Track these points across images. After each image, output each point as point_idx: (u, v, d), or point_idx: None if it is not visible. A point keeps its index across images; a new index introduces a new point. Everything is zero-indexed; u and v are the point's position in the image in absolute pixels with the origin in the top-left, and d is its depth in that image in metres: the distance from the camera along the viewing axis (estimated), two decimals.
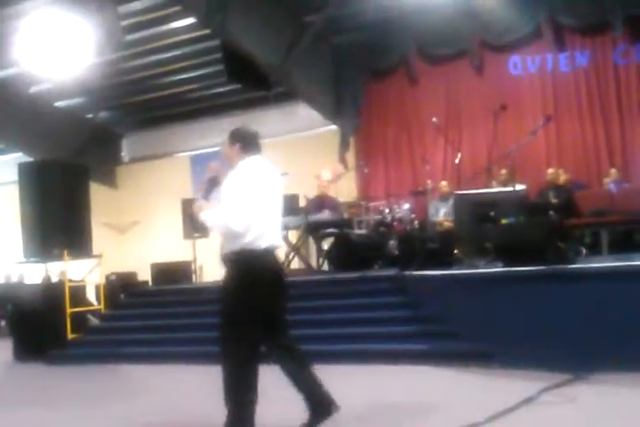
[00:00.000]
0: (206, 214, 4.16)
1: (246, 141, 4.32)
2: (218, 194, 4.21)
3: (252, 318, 4.06)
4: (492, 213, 7.18)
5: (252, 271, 4.08)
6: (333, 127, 13.45)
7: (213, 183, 4.29)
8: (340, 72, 13.19)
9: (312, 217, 10.50)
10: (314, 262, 11.00)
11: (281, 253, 11.27)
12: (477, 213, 7.34)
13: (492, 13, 11.15)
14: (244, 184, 4.10)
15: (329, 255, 10.48)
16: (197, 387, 6.69)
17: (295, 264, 11.33)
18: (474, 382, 5.83)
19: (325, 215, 10.53)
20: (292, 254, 10.95)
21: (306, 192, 11.18)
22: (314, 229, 10.70)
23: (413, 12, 11.37)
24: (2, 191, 16.64)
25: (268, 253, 4.18)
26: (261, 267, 4.10)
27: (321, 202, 10.90)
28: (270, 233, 4.18)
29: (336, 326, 7.79)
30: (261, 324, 4.12)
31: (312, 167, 12.07)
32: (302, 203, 11.14)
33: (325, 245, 10.83)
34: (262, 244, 4.12)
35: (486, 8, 11.07)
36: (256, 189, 4.11)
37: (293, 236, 11.34)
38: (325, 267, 10.70)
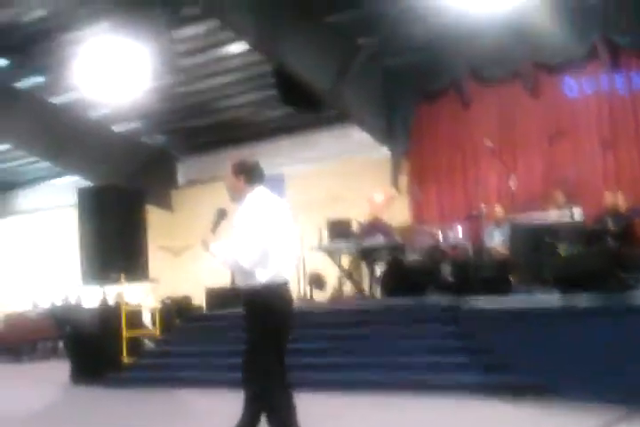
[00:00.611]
0: (215, 248, 4.17)
1: (251, 173, 4.32)
2: (226, 226, 4.21)
3: (268, 348, 4.17)
4: (550, 241, 7.06)
5: (263, 306, 4.11)
6: (385, 150, 13.42)
7: (221, 216, 4.27)
8: (391, 94, 13.15)
9: (365, 242, 10.47)
10: (366, 288, 10.94)
11: (332, 278, 11.31)
12: (534, 241, 7.23)
13: (545, 34, 10.99)
14: (254, 219, 4.09)
15: (381, 281, 10.41)
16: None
17: (348, 289, 11.30)
18: (527, 415, 5.70)
19: (378, 240, 10.48)
20: (344, 280, 10.93)
21: (358, 216, 11.15)
22: (366, 255, 10.67)
23: (465, 34, 11.31)
24: (60, 214, 17.03)
25: (281, 289, 4.20)
26: (271, 302, 4.12)
27: (373, 227, 10.86)
28: (281, 267, 4.19)
29: (387, 355, 7.70)
30: (273, 358, 4.21)
31: (364, 191, 12.05)
32: (355, 228, 11.10)
33: (378, 271, 10.78)
34: (273, 278, 4.13)
35: (538, 28, 10.93)
36: (265, 223, 4.10)
37: (345, 260, 11.32)
38: (378, 293, 10.63)
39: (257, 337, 4.18)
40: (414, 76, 12.80)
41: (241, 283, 4.21)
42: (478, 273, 7.82)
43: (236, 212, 4.16)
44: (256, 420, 4.28)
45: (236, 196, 4.30)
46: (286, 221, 4.28)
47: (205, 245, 4.19)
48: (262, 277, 4.09)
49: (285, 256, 4.21)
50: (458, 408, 6.15)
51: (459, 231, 10.25)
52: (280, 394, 4.19)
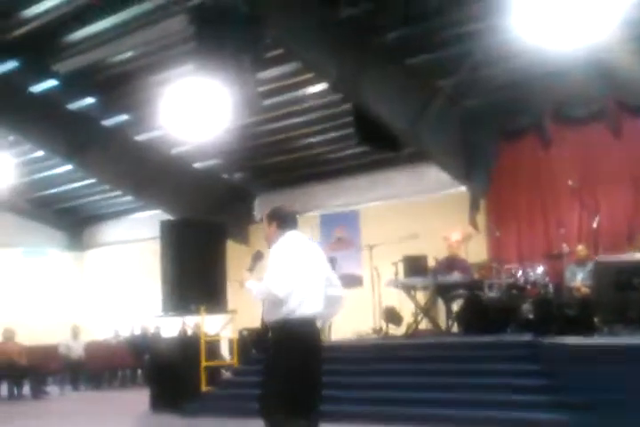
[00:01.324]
0: (250, 283, 4.36)
1: (282, 220, 4.58)
2: (261, 268, 4.43)
3: (286, 385, 4.22)
4: (636, 281, 6.92)
5: (289, 340, 4.24)
6: (463, 189, 13.41)
7: (258, 257, 4.55)
8: (470, 134, 13.18)
9: (441, 278, 10.46)
10: (442, 324, 10.88)
11: (408, 314, 11.29)
12: (620, 280, 7.10)
13: (628, 72, 10.91)
14: (285, 255, 4.33)
15: (459, 317, 10.35)
16: None
17: (423, 325, 11.25)
18: None
19: (455, 277, 10.46)
20: (420, 315, 10.90)
21: (434, 253, 11.15)
22: (443, 291, 10.64)
23: (546, 73, 11.30)
24: (141, 247, 17.52)
25: (307, 324, 4.33)
26: (300, 335, 4.26)
27: (451, 263, 10.85)
28: (310, 302, 4.33)
29: (464, 392, 7.62)
30: (294, 391, 4.23)
31: (441, 229, 12.04)
32: (431, 264, 11.09)
33: (455, 307, 10.72)
34: (302, 313, 4.29)
35: (621, 67, 10.85)
36: (295, 258, 4.34)
37: (421, 296, 11.30)
38: (455, 329, 10.55)
39: (271, 383, 4.29)
40: (494, 116, 12.81)
41: (269, 318, 4.37)
42: (560, 312, 7.70)
43: (270, 253, 4.41)
44: None
45: (271, 241, 4.54)
46: (316, 260, 4.49)
47: (242, 282, 4.40)
48: (290, 310, 4.25)
49: (313, 293, 4.37)
50: None
51: (539, 270, 10.13)
52: None
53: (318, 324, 4.47)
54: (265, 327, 4.47)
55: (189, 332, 12.32)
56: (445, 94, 12.16)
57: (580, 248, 10.37)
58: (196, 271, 10.31)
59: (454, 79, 11.79)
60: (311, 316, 4.35)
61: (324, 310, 4.46)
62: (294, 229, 4.59)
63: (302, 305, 4.29)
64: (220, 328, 10.87)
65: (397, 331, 11.23)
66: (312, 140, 14.73)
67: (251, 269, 4.48)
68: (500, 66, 11.43)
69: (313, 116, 13.69)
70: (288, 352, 4.23)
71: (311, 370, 4.31)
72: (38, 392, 12.37)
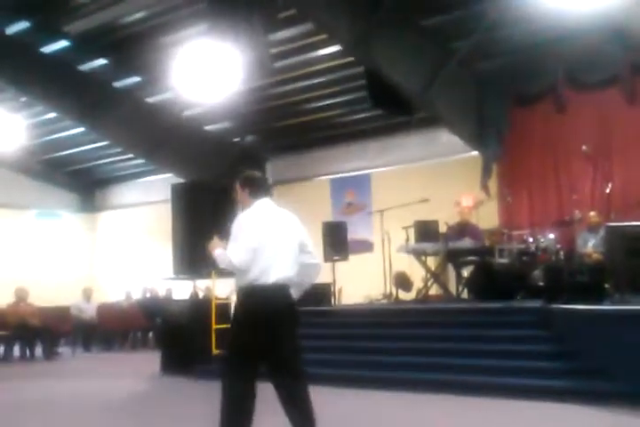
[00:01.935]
0: (217, 252, 4.46)
1: (254, 187, 4.69)
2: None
3: (248, 352, 4.34)
4: None
5: (254, 307, 4.36)
6: (475, 153, 13.30)
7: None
8: (483, 98, 13.02)
9: (452, 244, 10.43)
10: (453, 290, 10.89)
11: (418, 279, 11.32)
12: (632, 247, 7.03)
13: None
14: (247, 225, 4.44)
15: (469, 283, 10.36)
16: (328, 410, 6.75)
17: (433, 291, 11.27)
18: (620, 423, 5.58)
19: (466, 242, 10.44)
20: (430, 281, 10.91)
21: (445, 219, 11.12)
22: (454, 256, 10.62)
23: (561, 37, 11.12)
24: (153, 210, 17.56)
25: (273, 289, 4.39)
26: (264, 303, 4.35)
27: (462, 229, 10.82)
28: (276, 269, 4.41)
29: (474, 357, 7.64)
30: (257, 359, 4.36)
31: (452, 194, 12.00)
32: (442, 229, 11.07)
33: (465, 273, 10.72)
34: (265, 280, 4.37)
35: (637, 30, 10.64)
36: (259, 227, 4.43)
37: (432, 262, 11.30)
38: (465, 295, 10.57)
39: (230, 339, 4.45)
40: (508, 80, 12.64)
41: (236, 284, 4.47)
42: (571, 278, 7.67)
43: (236, 219, 4.52)
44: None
45: (244, 206, 4.69)
46: (285, 228, 4.58)
47: (211, 250, 4.50)
48: (254, 277, 4.35)
49: (280, 260, 4.45)
50: (546, 414, 6.07)
51: (550, 236, 10.09)
52: (244, 403, 4.36)
53: (292, 291, 4.51)
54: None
55: (200, 295, 12.39)
56: (459, 57, 11.98)
57: (593, 214, 10.29)
58: (206, 234, 10.26)
59: (468, 41, 11.61)
60: (274, 283, 4.40)
61: (299, 277, 4.55)
62: (265, 196, 4.68)
63: (265, 272, 4.37)
64: (231, 291, 10.91)
65: (407, 296, 11.26)
66: (324, 103, 14.62)
67: (221, 237, 4.57)
68: (514, 28, 11.22)
69: (325, 78, 13.55)
70: (248, 318, 4.36)
71: (274, 335, 4.37)
72: (50, 353, 12.51)
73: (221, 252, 4.42)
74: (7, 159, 17.38)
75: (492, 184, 12.88)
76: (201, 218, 10.36)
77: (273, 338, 4.37)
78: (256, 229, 4.42)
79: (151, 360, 10.32)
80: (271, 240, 4.44)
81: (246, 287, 4.38)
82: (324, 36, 11.86)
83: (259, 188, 4.70)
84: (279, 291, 4.43)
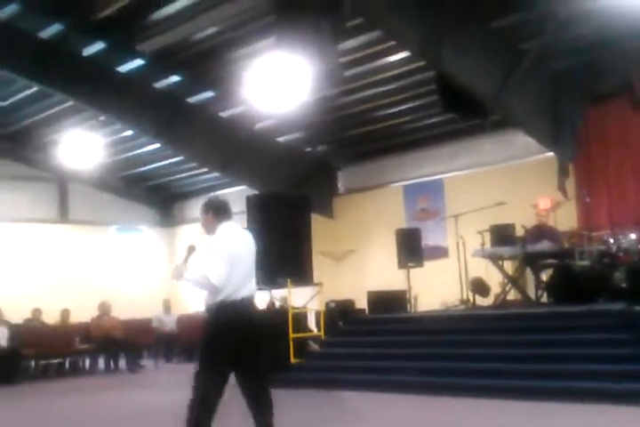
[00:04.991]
0: (188, 274, 4.89)
1: (218, 210, 5.06)
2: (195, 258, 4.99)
3: (222, 360, 4.79)
4: None
5: (227, 320, 4.79)
6: (551, 154, 13.02)
7: (191, 250, 5.04)
8: (558, 98, 12.74)
9: (530, 247, 10.23)
10: (532, 294, 10.67)
11: (495, 284, 11.13)
12: None
13: None
14: (220, 246, 4.85)
15: (548, 287, 10.13)
16: (411, 417, 6.70)
17: (512, 296, 11.07)
18: None
19: (545, 245, 10.21)
20: (508, 285, 10.72)
21: (522, 222, 10.91)
22: (532, 260, 10.42)
23: (635, 33, 10.79)
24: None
25: (243, 304, 4.87)
26: (236, 317, 4.80)
27: (539, 232, 10.61)
28: (244, 287, 4.90)
29: (555, 363, 7.50)
30: (231, 366, 4.84)
31: (528, 196, 11.79)
32: (519, 233, 10.87)
33: (544, 277, 10.49)
34: (238, 296, 4.84)
35: None
36: (230, 249, 4.84)
37: (509, 266, 11.10)
38: (544, 299, 10.35)
39: (202, 350, 4.89)
40: (583, 79, 12.34)
41: (208, 302, 4.90)
42: None
43: (207, 242, 4.95)
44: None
45: (208, 229, 5.05)
46: (248, 250, 5.03)
47: (179, 273, 4.91)
48: (227, 295, 4.79)
49: (247, 278, 4.94)
50: (630, 418, 5.89)
51: (631, 236, 9.77)
52: (208, 407, 4.81)
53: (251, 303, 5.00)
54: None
55: (277, 305, 12.51)
56: (531, 57, 11.77)
57: None
58: (281, 245, 10.42)
59: (540, 41, 11.40)
60: (243, 299, 4.86)
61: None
62: (229, 218, 5.06)
63: (237, 290, 4.82)
64: (307, 301, 10.99)
65: (485, 302, 11.09)
66: (394, 109, 14.56)
67: (185, 261, 4.98)
68: (587, 25, 10.95)
69: (395, 85, 13.49)
70: (223, 331, 4.79)
71: (245, 345, 4.84)
72: (134, 365, 12.81)
73: (195, 274, 4.85)
74: (88, 177, 17.98)
75: (570, 185, 12.58)
76: (276, 228, 10.50)
77: (244, 347, 4.83)
78: (227, 250, 4.82)
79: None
80: (239, 260, 4.87)
81: (219, 304, 4.80)
82: (392, 43, 11.84)
83: (220, 211, 5.04)
84: (249, 306, 4.95)
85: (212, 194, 5.15)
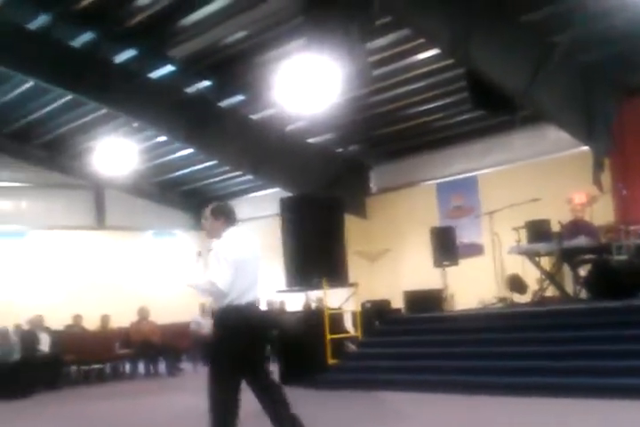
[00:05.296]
0: (195, 280, 5.07)
1: (228, 216, 5.20)
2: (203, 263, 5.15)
3: (232, 363, 4.87)
4: None
5: (233, 324, 4.90)
6: (585, 148, 12.87)
7: (198, 256, 5.24)
8: (590, 91, 12.57)
9: (567, 243, 10.12)
10: (570, 290, 10.55)
11: (532, 281, 11.02)
12: None
13: None
14: (225, 251, 4.96)
15: (586, 283, 10.01)
16: (450, 417, 6.67)
17: (550, 292, 10.95)
18: None
19: (581, 241, 10.09)
20: (545, 282, 10.62)
21: (557, 217, 10.80)
22: (569, 256, 10.31)
23: None
24: (263, 224, 17.87)
25: (249, 308, 4.99)
26: (242, 320, 4.90)
27: (576, 227, 10.48)
28: (249, 292, 5.00)
29: (595, 359, 7.41)
30: (241, 368, 4.91)
31: (563, 191, 11.64)
32: (554, 228, 10.76)
33: (582, 272, 10.37)
34: (244, 300, 4.94)
35: None
36: (235, 254, 4.95)
37: (546, 262, 10.99)
38: (583, 295, 10.23)
39: (215, 355, 5.05)
40: (615, 70, 12.16)
41: (215, 306, 5.08)
42: None
43: (213, 247, 5.05)
44: None
45: (215, 234, 5.17)
46: (253, 255, 5.13)
47: (186, 280, 5.11)
48: (233, 299, 4.91)
49: (252, 283, 5.04)
50: None
51: None
52: (228, 410, 4.90)
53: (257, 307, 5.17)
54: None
55: (313, 306, 12.53)
56: (561, 50, 11.64)
57: None
58: (316, 246, 10.46)
59: (570, 34, 11.27)
60: (248, 303, 4.97)
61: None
62: (235, 224, 5.20)
63: (242, 294, 4.93)
64: (343, 301, 10.99)
65: (522, 299, 10.99)
66: (425, 107, 14.49)
67: (193, 268, 5.21)
68: (617, 17, 10.78)
69: (424, 83, 13.44)
70: (232, 334, 4.90)
71: (253, 347, 4.99)
72: (173, 369, 12.92)
73: (200, 280, 5.00)
74: (123, 183, 18.21)
75: (605, 179, 12.41)
76: (310, 229, 10.54)
77: (249, 351, 4.95)
78: (233, 255, 4.93)
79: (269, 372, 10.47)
80: (244, 265, 4.98)
81: (224, 308, 4.93)
82: (421, 41, 11.80)
83: (231, 217, 5.19)
84: (254, 310, 5.09)
85: (216, 201, 5.24)
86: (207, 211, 5.25)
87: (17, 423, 8.85)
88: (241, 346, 4.86)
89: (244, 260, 4.99)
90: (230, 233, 5.11)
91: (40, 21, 11.79)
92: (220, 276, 4.84)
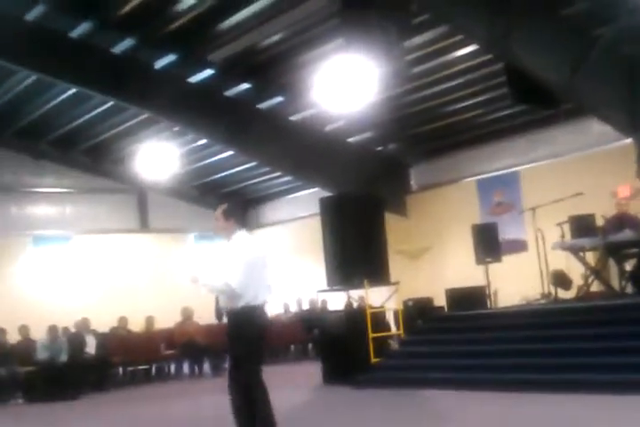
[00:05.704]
0: (207, 280, 5.30)
1: (239, 218, 5.44)
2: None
3: (253, 356, 5.25)
4: None
5: (249, 323, 5.20)
6: (628, 142, 12.64)
7: (207, 257, 5.19)
8: (634, 82, 12.36)
9: (612, 237, 9.96)
10: (616, 285, 10.38)
11: (577, 276, 10.86)
12: None
13: None
14: (240, 252, 5.18)
15: (633, 277, 9.85)
16: (496, 415, 6.61)
17: (595, 288, 10.79)
18: None
19: (627, 234, 9.92)
20: (591, 277, 10.47)
21: (601, 212, 10.63)
22: (614, 250, 10.13)
23: None
24: (303, 224, 17.98)
25: (260, 309, 5.29)
26: (256, 320, 5.25)
27: (620, 221, 10.30)
28: (263, 292, 5.29)
29: None
30: (259, 359, 5.32)
31: (607, 185, 11.46)
32: (599, 223, 10.59)
33: (628, 267, 10.19)
34: (256, 302, 5.22)
35: None
36: (249, 256, 5.20)
37: (590, 257, 10.83)
38: (629, 290, 10.05)
39: (242, 352, 5.24)
40: None
41: (229, 307, 5.28)
42: None
43: (226, 247, 5.33)
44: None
45: (225, 234, 5.38)
46: (263, 258, 5.39)
47: (195, 280, 5.33)
48: (247, 300, 5.16)
49: (262, 285, 5.30)
50: None
51: None
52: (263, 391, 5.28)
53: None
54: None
55: (355, 305, 12.51)
56: (603, 43, 11.45)
57: None
58: (357, 245, 10.46)
59: (612, 27, 11.10)
60: (260, 304, 5.28)
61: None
62: (244, 226, 5.46)
63: (256, 295, 5.19)
64: (385, 300, 10.97)
65: (567, 295, 10.85)
66: (464, 104, 14.40)
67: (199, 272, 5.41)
68: None
69: (463, 79, 13.35)
70: (251, 332, 5.21)
71: (261, 341, 5.38)
72: (218, 370, 13.01)
73: (215, 281, 5.20)
74: (166, 186, 18.42)
75: None
76: (350, 229, 10.54)
77: (261, 347, 5.39)
78: (247, 256, 5.17)
79: (313, 371, 10.53)
80: (257, 267, 5.22)
81: (242, 308, 5.17)
82: (459, 37, 11.73)
83: (242, 220, 5.45)
84: (264, 310, 5.36)
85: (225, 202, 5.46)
86: (218, 211, 5.37)
87: (65, 425, 9.02)
88: (255, 342, 5.24)
89: (257, 262, 5.24)
90: (242, 235, 5.34)
91: (81, 29, 11.98)
92: (235, 277, 5.06)
